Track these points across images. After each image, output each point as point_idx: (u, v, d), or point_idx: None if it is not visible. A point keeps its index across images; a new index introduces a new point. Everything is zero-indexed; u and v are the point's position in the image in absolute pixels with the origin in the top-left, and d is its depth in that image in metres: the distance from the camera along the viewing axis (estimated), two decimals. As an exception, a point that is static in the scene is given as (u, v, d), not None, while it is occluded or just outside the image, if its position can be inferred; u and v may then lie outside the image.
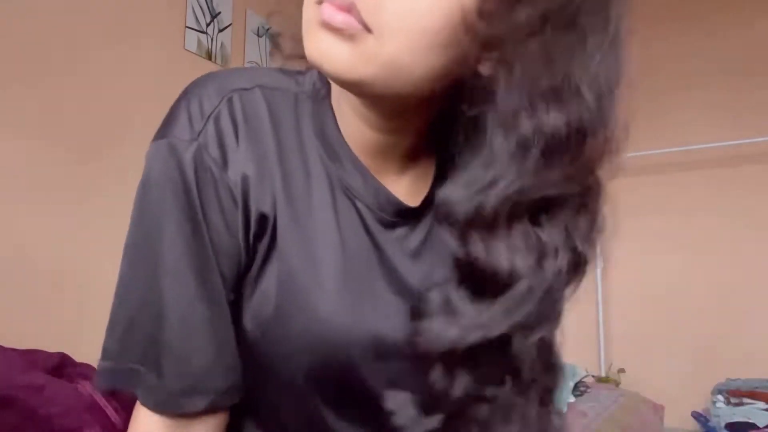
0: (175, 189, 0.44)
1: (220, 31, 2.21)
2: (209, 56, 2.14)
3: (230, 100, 0.47)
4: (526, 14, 0.39)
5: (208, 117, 0.46)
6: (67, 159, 1.65)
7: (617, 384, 2.58)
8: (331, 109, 0.49)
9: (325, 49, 0.40)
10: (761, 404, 2.20)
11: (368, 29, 0.39)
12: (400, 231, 0.50)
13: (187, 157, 0.44)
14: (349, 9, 0.39)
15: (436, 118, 0.50)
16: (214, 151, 0.44)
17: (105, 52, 1.79)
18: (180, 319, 0.43)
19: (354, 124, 0.48)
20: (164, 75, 1.96)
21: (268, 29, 2.46)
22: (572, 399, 1.80)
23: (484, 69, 0.43)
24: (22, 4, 1.57)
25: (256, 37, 2.40)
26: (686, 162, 2.82)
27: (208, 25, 2.16)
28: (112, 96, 1.80)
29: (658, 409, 1.99)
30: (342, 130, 0.48)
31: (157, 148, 0.46)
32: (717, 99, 2.76)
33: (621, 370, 2.76)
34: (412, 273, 0.50)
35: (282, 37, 0.56)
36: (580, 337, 3.00)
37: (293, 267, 0.46)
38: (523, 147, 0.40)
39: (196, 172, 0.44)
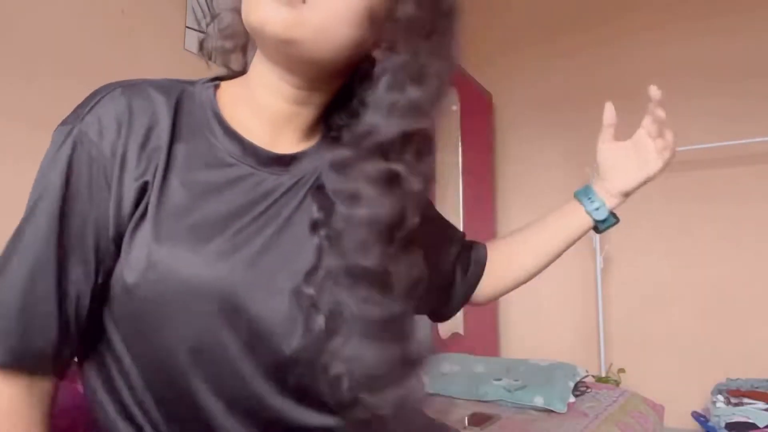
0: (56, 164, 0.54)
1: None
2: (209, 56, 2.14)
3: (113, 93, 0.58)
4: (406, 17, 0.54)
5: (92, 107, 0.57)
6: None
7: (617, 384, 2.58)
8: (215, 98, 0.61)
9: (267, 14, 0.51)
10: (761, 404, 2.20)
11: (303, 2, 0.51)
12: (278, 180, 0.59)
13: (68, 140, 0.55)
14: None
15: (331, 101, 0.62)
16: (94, 135, 0.54)
17: (105, 52, 1.79)
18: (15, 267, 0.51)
19: (264, 99, 0.59)
20: (164, 75, 1.95)
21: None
22: (572, 399, 1.80)
23: (377, 54, 0.56)
24: (22, 4, 1.57)
25: (256, 37, 2.40)
26: (686, 162, 2.82)
27: (208, 25, 2.16)
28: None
29: (658, 409, 1.99)
30: (238, 111, 0.60)
31: (54, 132, 0.58)
32: (717, 99, 2.76)
33: (621, 370, 2.76)
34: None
35: (220, 16, 0.73)
36: (580, 337, 3.00)
37: (168, 227, 0.52)
38: (390, 107, 0.54)
39: (73, 151, 0.54)
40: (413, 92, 0.54)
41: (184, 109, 0.59)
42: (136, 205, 0.53)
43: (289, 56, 0.56)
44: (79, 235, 0.53)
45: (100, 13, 1.78)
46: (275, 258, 0.55)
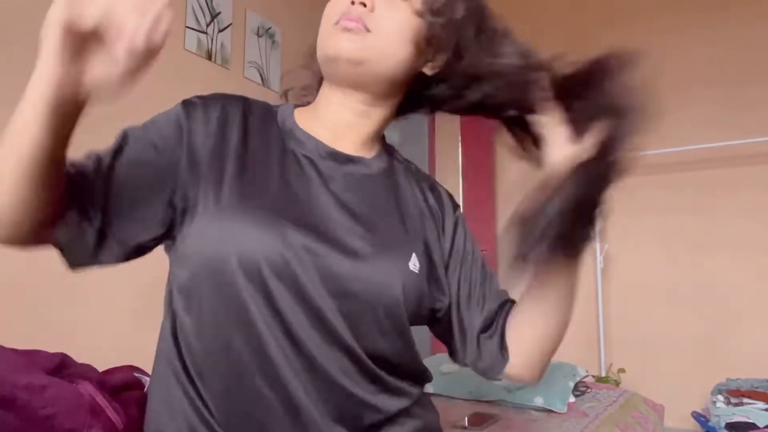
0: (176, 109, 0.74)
1: (220, 31, 2.21)
2: (209, 56, 2.14)
3: (215, 96, 0.75)
4: (455, 24, 0.71)
5: (202, 98, 0.74)
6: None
7: (617, 384, 2.58)
8: (293, 116, 0.75)
9: (341, 44, 0.68)
10: (761, 404, 2.20)
11: (368, 30, 0.68)
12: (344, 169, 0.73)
13: (186, 101, 0.75)
14: (358, 19, 0.67)
15: (388, 117, 0.77)
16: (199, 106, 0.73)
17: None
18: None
19: (329, 112, 0.74)
20: (164, 75, 1.96)
21: (268, 29, 2.46)
22: (572, 399, 1.80)
23: (427, 70, 0.75)
24: (22, 5, 1.57)
25: (256, 37, 2.39)
26: (686, 162, 2.82)
27: (208, 25, 2.16)
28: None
29: (658, 409, 1.99)
30: (308, 124, 0.74)
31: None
32: (717, 99, 2.77)
33: (621, 370, 2.77)
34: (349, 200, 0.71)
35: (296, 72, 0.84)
36: (580, 337, 3.00)
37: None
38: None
39: (178, 108, 0.74)
40: (472, 93, 0.73)
41: (263, 118, 0.74)
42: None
43: (358, 76, 0.70)
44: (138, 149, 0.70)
45: (100, 13, 1.79)
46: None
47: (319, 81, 0.78)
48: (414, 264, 0.70)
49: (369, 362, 0.65)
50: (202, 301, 0.63)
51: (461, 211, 0.86)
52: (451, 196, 0.86)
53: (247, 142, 0.70)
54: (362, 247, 0.66)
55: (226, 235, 0.62)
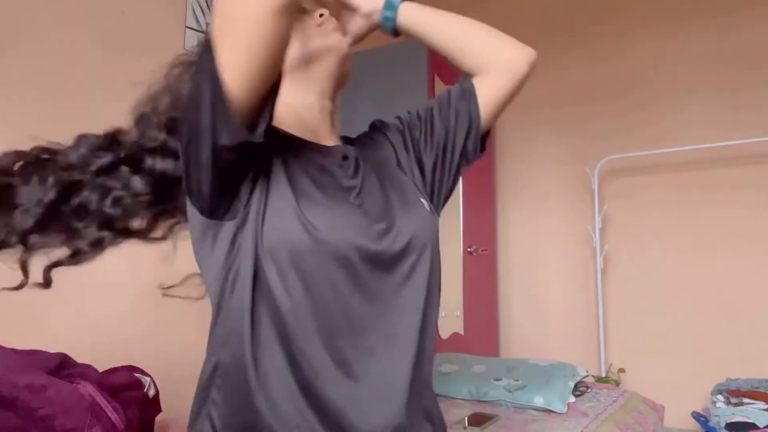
0: None
1: (220, 31, 2.22)
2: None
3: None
4: None
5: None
6: (68, 159, 1.66)
7: (617, 384, 2.58)
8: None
9: (341, 42, 0.81)
10: (761, 404, 2.20)
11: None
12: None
13: None
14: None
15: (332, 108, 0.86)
16: None
17: (105, 52, 1.79)
18: None
19: (308, 113, 0.81)
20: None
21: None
22: (572, 399, 1.80)
23: None
24: (23, 4, 1.57)
25: (256, 37, 2.40)
26: (686, 162, 2.82)
27: (208, 25, 2.16)
28: (111, 96, 1.80)
29: (658, 409, 1.99)
30: (288, 127, 0.78)
31: None
32: (717, 99, 2.77)
33: (621, 370, 2.76)
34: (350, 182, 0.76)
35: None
36: (580, 337, 3.00)
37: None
38: None
39: None
40: None
41: None
42: None
43: (339, 72, 0.82)
44: None
45: (100, 14, 1.78)
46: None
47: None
48: (425, 204, 0.80)
49: None
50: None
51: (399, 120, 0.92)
52: (386, 124, 0.93)
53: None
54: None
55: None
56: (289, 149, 0.74)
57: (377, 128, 0.91)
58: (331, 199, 0.71)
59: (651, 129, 2.89)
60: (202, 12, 2.14)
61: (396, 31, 0.86)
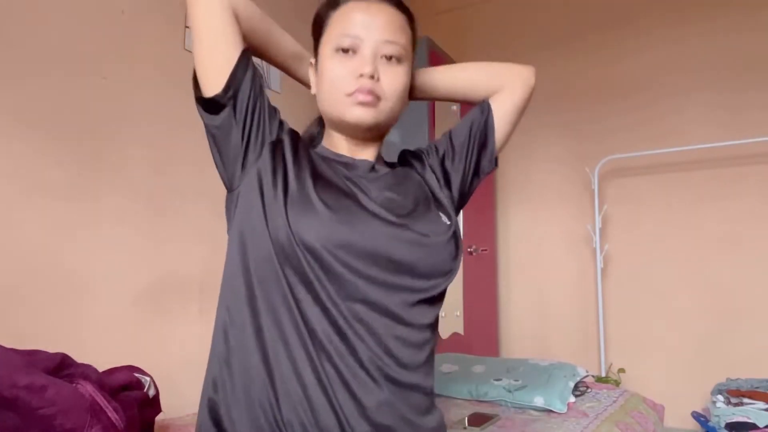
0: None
1: (220, 31, 2.21)
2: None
3: (291, 130, 0.93)
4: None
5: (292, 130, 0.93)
6: (67, 159, 1.65)
7: (617, 384, 2.58)
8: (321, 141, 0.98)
9: (360, 115, 0.85)
10: (761, 404, 2.20)
11: (379, 99, 0.85)
12: (370, 176, 0.92)
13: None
14: (370, 92, 0.84)
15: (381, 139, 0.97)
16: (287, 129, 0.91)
17: (105, 52, 1.79)
18: None
19: (343, 146, 0.93)
20: (164, 75, 1.96)
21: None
22: (572, 399, 1.80)
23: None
24: (23, 4, 1.57)
25: (256, 37, 2.40)
26: (686, 162, 2.82)
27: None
28: (111, 96, 1.80)
29: (658, 409, 1.99)
30: (330, 147, 0.94)
31: None
32: (717, 99, 2.77)
33: (621, 370, 2.77)
34: (376, 197, 0.87)
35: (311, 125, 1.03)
36: (580, 337, 3.00)
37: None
38: None
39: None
40: None
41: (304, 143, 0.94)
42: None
43: (373, 134, 0.91)
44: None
45: (100, 13, 1.78)
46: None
47: (321, 122, 0.99)
48: (444, 218, 0.90)
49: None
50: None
51: (423, 149, 1.03)
52: (419, 150, 1.04)
53: (311, 164, 0.88)
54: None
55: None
56: (317, 158, 0.90)
57: (406, 156, 1.03)
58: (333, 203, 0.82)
59: (651, 129, 2.89)
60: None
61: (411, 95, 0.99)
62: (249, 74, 0.83)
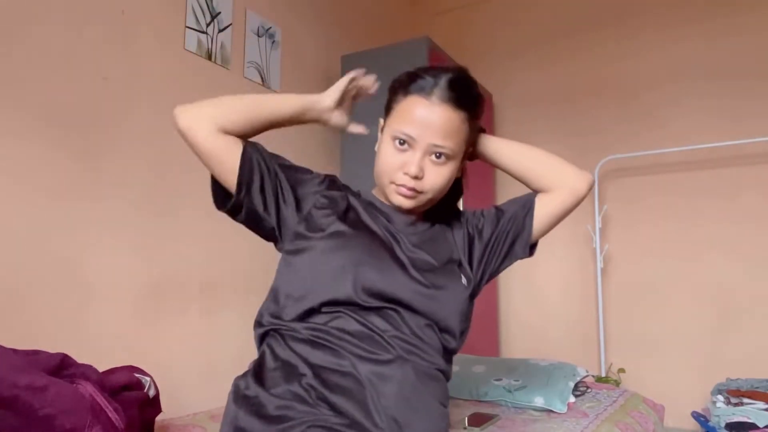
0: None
1: (220, 31, 2.21)
2: (209, 56, 2.14)
3: (335, 180, 1.10)
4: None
5: (326, 177, 1.09)
6: (68, 159, 1.65)
7: (617, 384, 2.58)
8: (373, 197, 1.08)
9: (401, 202, 0.98)
10: (761, 404, 2.20)
11: (420, 192, 0.97)
12: (408, 230, 1.04)
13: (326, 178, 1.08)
14: (412, 190, 0.96)
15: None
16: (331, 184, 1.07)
17: (105, 53, 1.79)
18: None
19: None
20: (164, 75, 1.96)
21: (268, 29, 2.46)
22: (572, 399, 1.80)
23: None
24: (23, 4, 1.57)
25: (256, 37, 2.39)
26: (687, 162, 2.82)
27: (208, 25, 2.16)
28: (112, 96, 1.80)
29: (658, 409, 1.99)
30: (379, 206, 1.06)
31: None
32: (717, 99, 2.77)
33: (621, 370, 2.77)
34: (413, 252, 1.00)
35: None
36: (580, 337, 3.00)
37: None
38: None
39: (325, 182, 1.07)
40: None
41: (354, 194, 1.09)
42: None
43: (415, 210, 1.03)
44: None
45: (100, 14, 1.78)
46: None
47: None
48: (464, 281, 1.01)
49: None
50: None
51: (465, 214, 1.14)
52: (462, 213, 1.14)
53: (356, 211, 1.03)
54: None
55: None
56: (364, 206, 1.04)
57: (450, 214, 1.12)
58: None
59: (651, 129, 2.89)
60: (202, 12, 2.14)
61: (472, 157, 1.11)
62: (256, 165, 0.96)
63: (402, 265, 0.94)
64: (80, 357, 1.20)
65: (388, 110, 1.02)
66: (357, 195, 1.07)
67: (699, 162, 2.79)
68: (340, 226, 0.96)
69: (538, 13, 3.29)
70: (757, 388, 2.32)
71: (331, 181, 1.06)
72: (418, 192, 0.96)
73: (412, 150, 0.95)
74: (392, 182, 0.97)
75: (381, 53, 2.58)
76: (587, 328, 2.98)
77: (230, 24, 2.26)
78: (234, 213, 0.98)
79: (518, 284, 3.23)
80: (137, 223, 1.84)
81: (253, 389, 0.90)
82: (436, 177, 0.97)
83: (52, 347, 1.18)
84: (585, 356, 2.93)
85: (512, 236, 1.08)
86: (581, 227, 3.01)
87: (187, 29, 2.06)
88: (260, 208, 0.97)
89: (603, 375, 2.76)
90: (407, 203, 0.98)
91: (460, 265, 1.03)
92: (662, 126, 2.87)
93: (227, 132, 0.95)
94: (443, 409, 0.95)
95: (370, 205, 1.04)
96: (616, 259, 2.94)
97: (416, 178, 0.95)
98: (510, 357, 3.05)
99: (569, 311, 3.06)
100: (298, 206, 0.99)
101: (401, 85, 1.00)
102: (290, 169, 1.02)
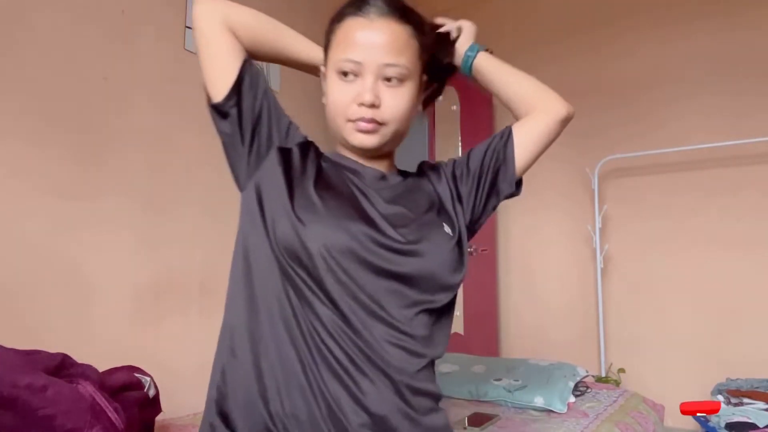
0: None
1: (220, 31, 2.21)
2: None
3: (309, 141, 0.96)
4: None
5: (305, 138, 0.95)
6: (68, 159, 1.65)
7: (617, 384, 2.58)
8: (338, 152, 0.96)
9: (363, 140, 0.87)
10: (761, 404, 2.20)
11: (381, 124, 0.86)
12: (379, 185, 0.93)
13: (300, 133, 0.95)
14: (371, 121, 0.85)
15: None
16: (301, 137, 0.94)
17: (105, 53, 1.79)
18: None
19: (354, 156, 0.94)
20: (165, 75, 1.96)
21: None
22: (572, 399, 1.80)
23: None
24: (23, 4, 1.57)
25: (256, 37, 2.40)
26: (687, 162, 2.82)
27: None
28: (112, 96, 1.80)
29: (658, 409, 1.99)
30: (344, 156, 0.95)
31: None
32: (717, 99, 2.76)
33: (621, 370, 2.77)
34: (386, 208, 0.88)
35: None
36: (580, 337, 3.00)
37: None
38: None
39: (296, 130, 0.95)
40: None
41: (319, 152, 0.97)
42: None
43: (379, 152, 0.91)
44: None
45: (100, 14, 1.78)
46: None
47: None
48: (447, 229, 0.90)
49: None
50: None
51: (442, 163, 1.05)
52: (439, 164, 1.05)
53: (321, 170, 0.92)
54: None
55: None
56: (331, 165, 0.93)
57: (424, 167, 1.04)
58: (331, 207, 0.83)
59: (651, 129, 2.89)
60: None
61: (470, 71, 1.05)
62: (249, 84, 0.87)
63: (372, 223, 0.83)
64: (80, 357, 1.20)
65: (326, 50, 0.92)
66: (325, 157, 0.96)
67: (699, 162, 2.79)
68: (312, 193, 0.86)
69: (537, 13, 3.29)
70: (757, 388, 2.32)
71: (305, 143, 0.94)
72: (379, 123, 0.85)
73: (361, 78, 0.85)
74: (348, 120, 0.86)
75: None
76: (587, 328, 2.98)
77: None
78: (219, 113, 0.87)
79: (518, 284, 3.23)
80: (137, 223, 1.84)
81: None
82: (395, 102, 0.85)
83: (52, 347, 1.18)
84: (585, 356, 2.92)
85: (494, 169, 0.99)
86: (581, 227, 3.01)
87: (187, 29, 2.06)
88: (248, 128, 0.87)
89: (603, 375, 2.76)
90: (370, 140, 0.86)
91: (441, 212, 0.94)
92: (662, 126, 2.87)
93: (235, 33, 0.88)
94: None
95: (336, 165, 0.93)
96: (616, 259, 2.94)
97: (373, 106, 0.84)
98: (510, 357, 3.05)
99: (569, 311, 3.06)
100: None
101: (333, 18, 0.91)
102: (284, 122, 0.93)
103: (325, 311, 0.78)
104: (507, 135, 0.99)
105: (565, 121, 1.03)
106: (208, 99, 0.88)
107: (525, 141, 0.99)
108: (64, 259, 1.62)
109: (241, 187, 0.89)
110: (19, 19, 1.56)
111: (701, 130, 2.76)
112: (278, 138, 0.90)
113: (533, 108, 1.01)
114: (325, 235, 0.79)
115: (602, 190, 2.99)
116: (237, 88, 0.85)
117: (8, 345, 1.04)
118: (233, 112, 0.85)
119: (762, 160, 2.67)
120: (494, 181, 0.99)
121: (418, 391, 0.81)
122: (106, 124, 1.78)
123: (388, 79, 0.85)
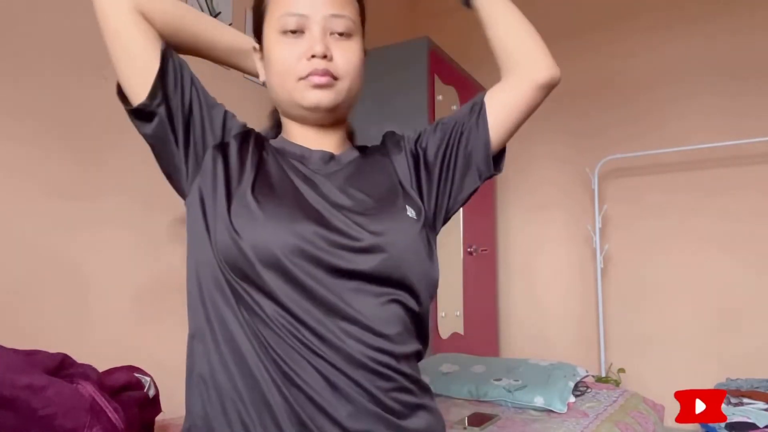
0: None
1: (220, 31, 2.21)
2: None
3: (249, 129, 0.88)
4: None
5: (244, 126, 0.88)
6: (68, 159, 1.65)
7: (617, 384, 2.58)
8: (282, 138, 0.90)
9: (318, 98, 0.79)
10: (761, 404, 2.20)
11: (336, 78, 0.80)
12: (328, 168, 0.85)
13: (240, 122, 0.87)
14: (325, 73, 0.78)
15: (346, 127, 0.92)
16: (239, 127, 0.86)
17: (106, 53, 1.78)
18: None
19: (301, 136, 0.87)
20: (164, 75, 1.96)
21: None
22: (572, 399, 1.80)
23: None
24: (23, 4, 1.57)
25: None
26: (687, 162, 2.82)
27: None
28: (112, 96, 1.79)
29: (658, 409, 1.99)
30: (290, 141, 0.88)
31: None
32: (717, 99, 2.77)
33: (621, 370, 2.77)
34: (337, 196, 0.80)
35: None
36: (580, 337, 3.00)
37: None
38: None
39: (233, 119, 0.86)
40: None
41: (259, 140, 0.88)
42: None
43: (334, 117, 0.85)
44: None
45: (100, 13, 1.78)
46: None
47: (276, 117, 0.93)
48: (411, 213, 0.81)
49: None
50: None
51: (403, 135, 0.95)
52: (398, 135, 0.95)
53: (263, 159, 0.83)
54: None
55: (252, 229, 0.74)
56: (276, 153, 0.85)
57: (386, 140, 0.95)
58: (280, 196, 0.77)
59: (651, 129, 2.89)
60: (202, 12, 2.14)
61: (468, 3, 0.94)
62: (174, 75, 0.78)
63: (322, 221, 0.74)
64: (80, 357, 1.20)
65: (259, 19, 0.84)
66: (267, 145, 0.87)
67: (699, 162, 2.79)
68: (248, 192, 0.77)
69: (537, 13, 3.27)
70: (757, 388, 2.32)
71: (244, 132, 0.86)
72: (333, 77, 0.78)
73: (308, 31, 0.78)
74: (299, 78, 0.78)
75: (381, 54, 2.58)
76: (587, 328, 2.98)
77: (230, 24, 2.26)
78: (142, 116, 0.79)
79: (518, 284, 3.23)
80: (137, 223, 1.84)
81: None
82: (347, 55, 0.80)
83: (51, 347, 1.18)
84: (585, 356, 2.93)
85: (466, 144, 0.87)
86: (581, 227, 3.01)
87: (187, 29, 2.06)
88: (179, 127, 0.79)
89: (603, 375, 2.76)
90: (327, 96, 0.78)
91: (403, 194, 0.83)
92: (662, 126, 2.87)
93: (148, 18, 0.79)
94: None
95: (281, 153, 0.85)
96: (616, 259, 2.94)
97: (325, 57, 0.77)
98: (510, 357, 3.05)
99: (569, 311, 3.06)
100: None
101: None
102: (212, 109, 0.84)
103: (282, 322, 0.70)
104: (479, 110, 0.87)
105: (548, 87, 0.90)
106: (126, 101, 0.79)
107: (500, 114, 0.87)
108: (63, 258, 1.62)
109: (183, 194, 0.81)
110: (19, 18, 1.56)
111: (701, 130, 2.76)
112: (214, 131, 0.81)
113: (516, 65, 0.89)
114: (266, 242, 0.70)
115: (602, 190, 2.99)
116: (161, 82, 0.76)
117: (8, 345, 1.04)
118: (161, 111, 0.76)
119: (762, 160, 2.67)
120: (467, 162, 0.88)
121: (395, 389, 0.73)
122: (106, 124, 1.78)
123: (339, 34, 0.80)
